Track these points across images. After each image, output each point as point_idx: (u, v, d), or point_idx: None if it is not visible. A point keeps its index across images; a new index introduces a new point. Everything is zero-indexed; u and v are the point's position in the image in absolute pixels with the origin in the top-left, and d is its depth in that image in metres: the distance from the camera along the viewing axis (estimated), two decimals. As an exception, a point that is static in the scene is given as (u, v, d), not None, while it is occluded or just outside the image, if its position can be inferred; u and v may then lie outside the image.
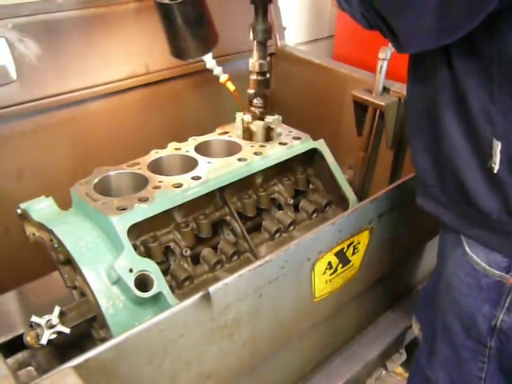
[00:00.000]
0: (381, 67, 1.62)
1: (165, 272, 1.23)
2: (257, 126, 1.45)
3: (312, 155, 1.51)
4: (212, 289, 1.01)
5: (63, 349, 1.22)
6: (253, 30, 1.40)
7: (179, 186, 1.24)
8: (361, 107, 1.68)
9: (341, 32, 2.48)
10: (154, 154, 1.40)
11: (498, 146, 0.87)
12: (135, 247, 1.19)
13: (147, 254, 1.22)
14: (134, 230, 1.17)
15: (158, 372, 1.00)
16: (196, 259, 1.32)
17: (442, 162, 1.00)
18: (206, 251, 1.32)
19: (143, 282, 1.10)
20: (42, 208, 1.25)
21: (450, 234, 1.10)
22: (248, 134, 1.47)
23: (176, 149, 1.42)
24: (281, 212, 1.48)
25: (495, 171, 0.89)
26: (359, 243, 1.32)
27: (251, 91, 1.47)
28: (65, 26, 1.62)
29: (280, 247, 1.14)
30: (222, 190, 1.33)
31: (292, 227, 1.47)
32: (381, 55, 1.59)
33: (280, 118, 1.50)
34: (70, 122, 1.71)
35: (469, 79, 0.88)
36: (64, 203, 1.27)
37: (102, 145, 1.80)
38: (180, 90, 1.97)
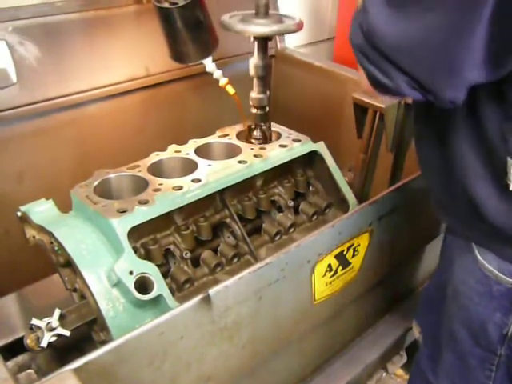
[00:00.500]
0: (381, 69, 1.62)
1: (165, 274, 1.23)
2: None
3: (312, 157, 1.51)
4: (212, 291, 1.01)
5: (63, 351, 1.22)
6: (254, 66, 1.42)
7: (179, 188, 1.24)
8: (361, 109, 1.68)
9: (341, 34, 2.48)
10: (154, 157, 1.40)
11: None
12: (135, 250, 1.19)
13: (147, 256, 1.22)
14: (134, 233, 1.17)
15: (158, 374, 1.00)
16: (196, 262, 1.31)
17: (452, 180, 0.98)
18: (206, 254, 1.32)
19: (143, 285, 1.10)
20: (42, 210, 1.24)
21: (459, 239, 1.07)
22: None
23: (176, 151, 1.42)
24: (281, 214, 1.48)
25: (511, 188, 0.87)
26: (359, 245, 1.32)
27: (251, 123, 1.50)
28: (65, 28, 1.62)
29: (280, 249, 1.14)
30: (222, 192, 1.33)
31: (292, 229, 1.47)
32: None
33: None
34: (70, 124, 1.72)
35: (485, 101, 0.85)
36: (64, 206, 1.27)
37: (103, 147, 1.80)
38: (180, 93, 1.97)
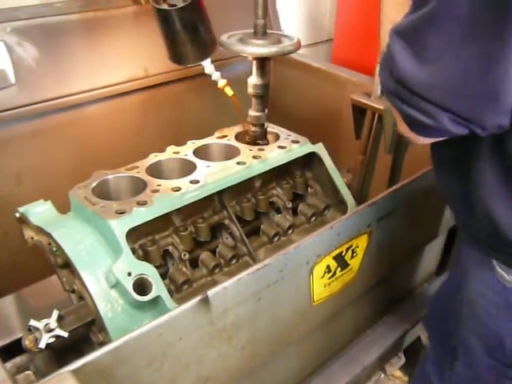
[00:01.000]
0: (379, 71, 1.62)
1: (163, 276, 1.22)
2: None
3: (311, 159, 1.51)
4: (211, 292, 1.01)
5: (62, 353, 1.21)
6: (252, 85, 1.43)
7: (178, 189, 1.24)
8: (359, 111, 1.68)
9: (340, 36, 2.49)
10: (153, 158, 1.40)
11: None
12: (134, 251, 1.19)
13: (146, 257, 1.22)
14: (133, 234, 1.17)
15: (157, 376, 1.00)
16: (194, 263, 1.31)
17: (474, 204, 0.96)
18: (204, 255, 1.32)
19: (142, 286, 1.10)
20: (40, 212, 1.24)
21: (477, 250, 1.05)
22: None
23: (175, 152, 1.42)
24: (279, 216, 1.48)
25: None
26: (358, 247, 1.32)
27: (249, 140, 1.51)
28: (63, 29, 1.62)
29: (279, 251, 1.14)
30: (220, 193, 1.33)
31: (291, 231, 1.47)
32: (379, 59, 1.59)
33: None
34: (68, 125, 1.72)
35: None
36: (63, 207, 1.27)
37: (101, 148, 1.80)
38: (179, 94, 1.97)
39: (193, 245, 1.30)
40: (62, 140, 1.72)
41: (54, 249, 1.18)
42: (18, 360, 1.31)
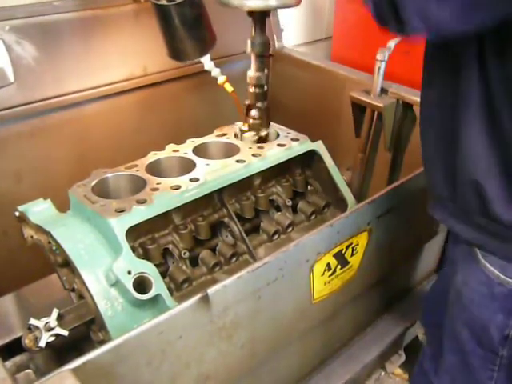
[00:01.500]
0: (379, 68, 1.62)
1: (163, 274, 1.22)
2: (247, 139, 1.46)
3: (310, 157, 1.51)
4: (211, 291, 1.01)
5: (62, 351, 1.21)
6: (251, 43, 1.39)
7: (177, 187, 1.24)
8: (359, 108, 1.68)
9: (339, 33, 2.48)
10: (152, 156, 1.40)
11: None
12: (133, 249, 1.18)
13: (145, 256, 1.22)
14: (133, 232, 1.17)
15: (157, 374, 1.00)
16: (194, 261, 1.31)
17: (457, 172, 0.97)
18: (204, 253, 1.32)
19: (142, 284, 1.10)
20: (40, 210, 1.24)
21: (462, 244, 1.07)
22: None
23: (174, 151, 1.42)
24: (279, 213, 1.48)
25: None
26: (358, 245, 1.32)
27: (248, 102, 1.47)
28: (62, 28, 1.62)
29: (278, 249, 1.14)
30: (220, 191, 1.33)
31: (290, 229, 1.47)
32: (379, 56, 1.59)
33: (276, 131, 1.51)
34: (67, 124, 1.71)
35: (500, 84, 0.84)
36: (62, 205, 1.27)
37: (100, 147, 1.80)
38: (178, 92, 1.97)
39: (193, 243, 1.30)
40: (62, 138, 1.72)
41: (54, 247, 1.18)
42: (18, 359, 1.31)
